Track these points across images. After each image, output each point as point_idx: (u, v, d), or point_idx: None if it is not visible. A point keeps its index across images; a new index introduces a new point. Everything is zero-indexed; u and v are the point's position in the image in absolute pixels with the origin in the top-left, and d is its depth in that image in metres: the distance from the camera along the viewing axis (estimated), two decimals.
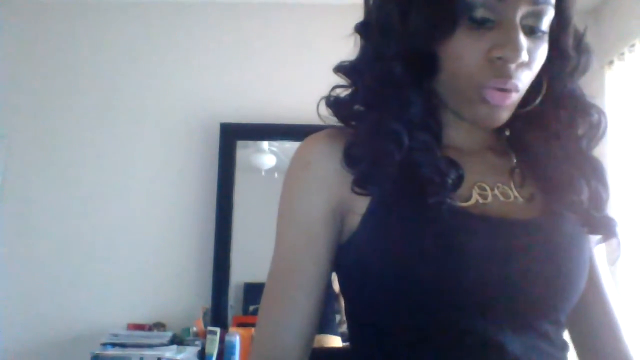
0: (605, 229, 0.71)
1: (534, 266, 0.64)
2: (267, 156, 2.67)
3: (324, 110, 0.72)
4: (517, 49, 0.61)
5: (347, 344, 2.51)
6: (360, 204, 0.66)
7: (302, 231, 0.69)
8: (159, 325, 2.34)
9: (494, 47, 0.62)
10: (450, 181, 0.63)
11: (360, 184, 0.65)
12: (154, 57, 2.65)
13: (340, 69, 0.72)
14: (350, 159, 0.66)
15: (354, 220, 0.67)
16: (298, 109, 2.48)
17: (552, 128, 0.71)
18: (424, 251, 0.60)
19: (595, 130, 0.71)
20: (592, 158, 0.72)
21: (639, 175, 2.11)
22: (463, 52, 0.63)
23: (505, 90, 0.64)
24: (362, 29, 0.70)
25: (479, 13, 0.61)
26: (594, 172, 0.71)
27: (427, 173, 0.63)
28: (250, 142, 2.65)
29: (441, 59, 0.64)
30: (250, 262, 2.49)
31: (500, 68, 0.63)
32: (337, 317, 2.49)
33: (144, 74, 2.63)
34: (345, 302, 0.74)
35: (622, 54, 2.21)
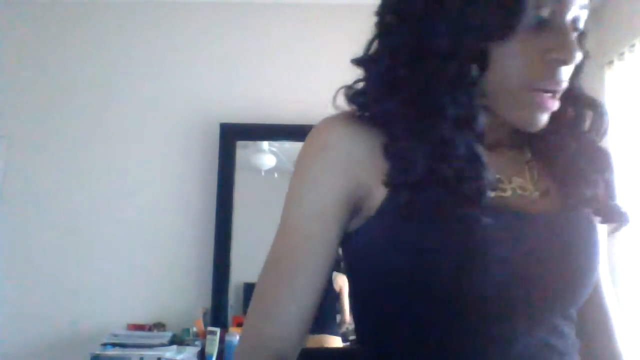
0: (620, 216, 0.71)
1: (551, 261, 0.64)
2: (267, 156, 2.67)
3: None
4: (574, 50, 0.62)
5: (347, 344, 2.51)
6: (380, 190, 0.64)
7: (314, 216, 0.67)
8: (159, 326, 2.35)
9: (551, 48, 0.62)
10: (486, 200, 0.61)
11: (397, 183, 0.62)
12: (154, 57, 2.65)
13: (367, 62, 0.69)
14: (391, 156, 0.63)
15: (371, 206, 0.65)
16: (298, 109, 2.48)
17: (563, 123, 0.71)
18: (447, 245, 0.60)
19: (601, 122, 0.72)
20: (602, 149, 0.73)
21: None
22: (519, 51, 0.62)
23: (555, 92, 0.64)
24: (407, 19, 0.65)
25: (542, 13, 0.61)
26: (607, 163, 0.72)
27: (468, 190, 0.60)
28: (250, 142, 2.65)
29: (493, 58, 0.63)
30: (250, 262, 2.48)
31: (554, 69, 0.63)
32: (338, 317, 2.49)
33: (143, 74, 2.63)
34: (350, 285, 0.72)
35: (622, 54, 2.21)
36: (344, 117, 0.69)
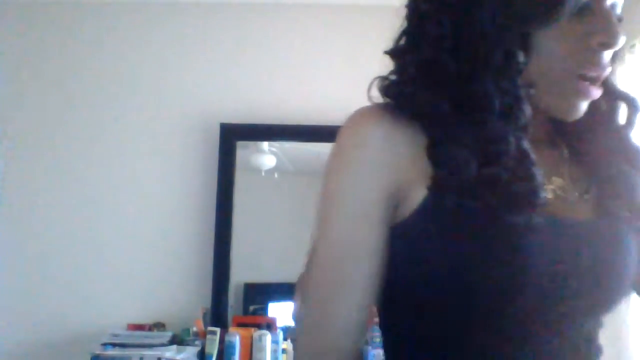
0: None
1: (591, 271, 0.63)
2: (267, 156, 2.67)
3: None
4: (617, 32, 0.61)
5: None
6: (418, 190, 0.61)
7: (360, 216, 0.63)
8: (159, 325, 2.35)
9: (595, 32, 0.61)
10: (538, 202, 0.58)
11: (444, 187, 0.59)
12: (154, 57, 2.65)
13: (403, 53, 0.66)
14: (436, 159, 0.60)
15: (408, 205, 0.62)
16: (298, 110, 2.48)
17: (597, 117, 0.70)
18: (493, 254, 0.58)
19: (636, 117, 0.71)
20: (638, 147, 0.71)
21: None
22: (562, 38, 0.61)
23: (597, 79, 0.63)
24: (447, 7, 0.63)
25: None
26: None
27: (520, 192, 0.58)
28: (250, 143, 2.64)
29: (535, 45, 0.61)
30: (250, 263, 2.49)
31: (597, 55, 0.62)
32: None
33: (143, 74, 2.63)
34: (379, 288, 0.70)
35: (622, 54, 2.21)
36: (378, 109, 0.65)
